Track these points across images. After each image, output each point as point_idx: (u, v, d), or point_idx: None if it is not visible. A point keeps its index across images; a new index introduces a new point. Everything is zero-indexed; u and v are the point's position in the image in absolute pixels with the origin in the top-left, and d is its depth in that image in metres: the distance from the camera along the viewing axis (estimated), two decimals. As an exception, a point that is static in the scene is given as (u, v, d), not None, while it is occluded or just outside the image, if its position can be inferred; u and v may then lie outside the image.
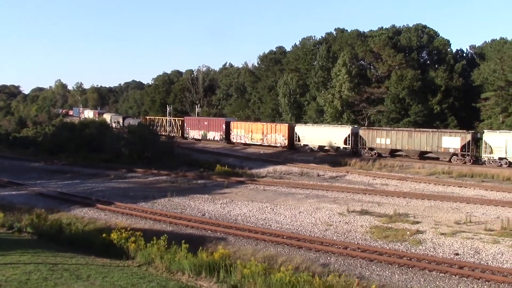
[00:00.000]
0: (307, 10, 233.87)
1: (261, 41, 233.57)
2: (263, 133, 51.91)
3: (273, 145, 50.78)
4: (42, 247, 16.40)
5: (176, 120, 65.94)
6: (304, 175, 35.87)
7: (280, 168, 38.87)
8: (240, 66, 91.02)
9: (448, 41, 60.58)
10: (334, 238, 18.62)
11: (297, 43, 73.73)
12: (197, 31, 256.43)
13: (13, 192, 28.62)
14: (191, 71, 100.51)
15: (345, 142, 44.58)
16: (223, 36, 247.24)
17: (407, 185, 31.28)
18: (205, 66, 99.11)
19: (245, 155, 47.27)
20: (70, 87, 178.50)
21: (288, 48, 77.01)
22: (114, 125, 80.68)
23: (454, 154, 38.39)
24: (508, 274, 14.24)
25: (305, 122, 56.59)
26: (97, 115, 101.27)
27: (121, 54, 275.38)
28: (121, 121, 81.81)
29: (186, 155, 47.02)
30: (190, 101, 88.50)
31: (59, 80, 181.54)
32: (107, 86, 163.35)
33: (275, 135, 50.77)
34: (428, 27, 61.95)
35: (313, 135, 47.43)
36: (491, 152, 36.64)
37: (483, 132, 38.75)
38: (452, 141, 38.39)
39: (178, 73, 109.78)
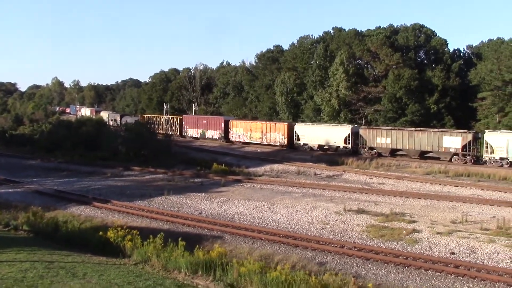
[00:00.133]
0: (305, 8, 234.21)
1: (258, 39, 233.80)
2: (262, 132, 51.92)
3: (272, 144, 50.78)
4: (38, 245, 16.37)
5: (175, 119, 65.87)
6: (301, 174, 35.92)
7: (277, 166, 38.90)
8: (238, 64, 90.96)
9: (445, 41, 60.65)
10: (331, 237, 18.66)
11: (295, 41, 73.67)
12: (195, 29, 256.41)
13: (10, 190, 28.56)
14: (188, 69, 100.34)
15: (345, 142, 44.61)
16: (220, 35, 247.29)
17: (404, 184, 31.35)
18: (203, 64, 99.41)
19: (242, 154, 47.30)
20: (67, 85, 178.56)
21: (285, 46, 77.02)
22: (111, 123, 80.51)
23: (455, 154, 38.42)
24: (503, 273, 14.31)
25: (303, 121, 56.61)
26: (94, 113, 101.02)
27: (118, 51, 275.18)
28: (119, 119, 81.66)
29: (183, 153, 47.00)
30: (187, 100, 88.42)
31: (56, 77, 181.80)
32: (104, 84, 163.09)
33: (274, 134, 50.78)
34: (426, 27, 62.00)
35: (312, 134, 47.45)
36: (492, 152, 36.67)
37: (484, 132, 38.76)
38: (453, 141, 38.41)
39: (175, 71, 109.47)
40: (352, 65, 59.29)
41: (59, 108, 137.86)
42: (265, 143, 51.39)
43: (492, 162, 36.58)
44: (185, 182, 31.80)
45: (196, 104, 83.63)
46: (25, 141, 53.23)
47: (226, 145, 54.43)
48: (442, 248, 17.03)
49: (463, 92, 55.36)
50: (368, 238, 18.46)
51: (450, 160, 38.52)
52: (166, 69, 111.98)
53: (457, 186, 30.30)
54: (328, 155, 44.14)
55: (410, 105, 53.59)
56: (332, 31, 68.33)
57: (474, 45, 65.70)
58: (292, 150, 48.14)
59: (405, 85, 53.32)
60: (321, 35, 69.25)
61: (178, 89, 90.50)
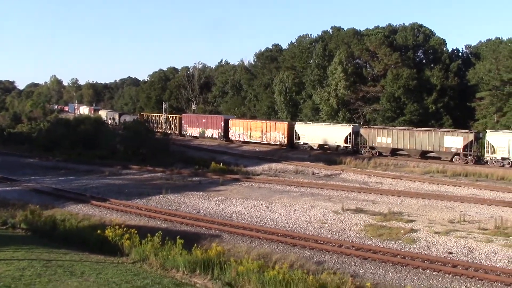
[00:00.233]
0: (304, 8, 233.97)
1: (257, 38, 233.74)
2: (262, 131, 51.89)
3: (272, 143, 50.74)
4: (36, 243, 16.35)
5: (174, 117, 65.79)
6: (299, 173, 35.93)
7: (275, 166, 38.89)
8: (236, 63, 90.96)
9: (444, 41, 60.73)
10: (329, 236, 18.67)
11: (293, 41, 73.62)
12: (193, 28, 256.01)
13: (7, 188, 28.48)
14: (187, 68, 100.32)
15: (345, 141, 44.61)
16: (219, 33, 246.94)
17: (402, 184, 31.39)
18: (201, 63, 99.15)
19: (240, 153, 47.29)
20: (65, 83, 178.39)
21: (284, 46, 76.99)
22: (109, 121, 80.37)
23: (456, 153, 38.39)
24: (501, 273, 14.33)
25: (302, 120, 56.60)
26: (92, 111, 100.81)
27: (117, 50, 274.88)
28: (117, 118, 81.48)
29: (181, 152, 46.97)
30: (185, 98, 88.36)
31: (54, 75, 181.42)
32: (103, 82, 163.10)
33: (274, 133, 50.74)
34: (424, 26, 62.04)
35: (313, 133, 47.41)
36: (494, 152, 36.66)
37: (486, 132, 38.75)
38: (454, 140, 38.36)
39: (174, 70, 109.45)
40: (351, 64, 59.30)
41: (57, 107, 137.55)
42: (265, 142, 51.35)
43: (493, 162, 36.55)
44: (183, 180, 31.78)
45: (194, 103, 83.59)
46: (23, 140, 53.10)
47: (224, 144, 54.42)
48: (440, 247, 17.05)
49: (462, 91, 55.43)
50: (366, 237, 18.47)
51: (451, 160, 38.48)
52: (164, 68, 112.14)
53: (455, 186, 30.35)
54: (327, 155, 44.16)
55: (408, 104, 53.64)
56: (331, 31, 68.36)
57: (472, 45, 65.91)
58: (291, 149, 48.12)
59: (403, 85, 53.37)
60: (320, 34, 69.29)
61: (176, 88, 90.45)
